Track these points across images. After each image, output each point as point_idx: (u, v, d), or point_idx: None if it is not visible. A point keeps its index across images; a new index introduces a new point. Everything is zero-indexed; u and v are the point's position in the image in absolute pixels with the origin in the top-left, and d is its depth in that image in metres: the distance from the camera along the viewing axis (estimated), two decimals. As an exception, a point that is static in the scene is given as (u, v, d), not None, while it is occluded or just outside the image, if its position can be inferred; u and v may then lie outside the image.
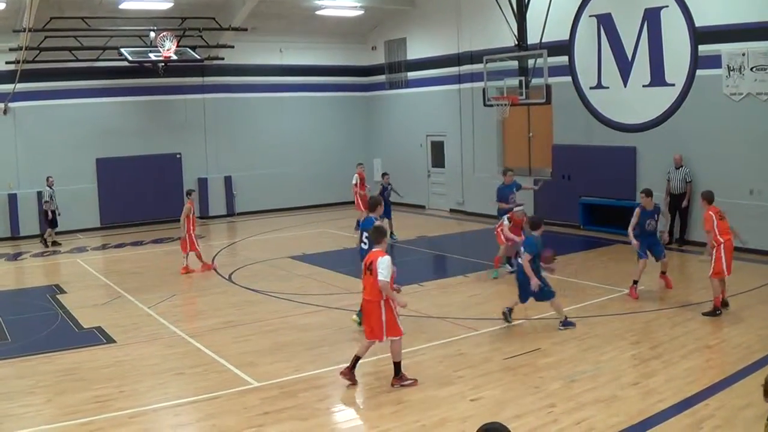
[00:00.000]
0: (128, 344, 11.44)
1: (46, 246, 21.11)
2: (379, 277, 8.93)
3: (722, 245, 11.72)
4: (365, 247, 11.17)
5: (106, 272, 17.53)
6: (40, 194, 22.32)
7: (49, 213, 21.38)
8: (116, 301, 14.40)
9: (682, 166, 17.84)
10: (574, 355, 10.22)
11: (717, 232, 11.73)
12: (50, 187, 21.45)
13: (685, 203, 17.79)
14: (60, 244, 21.36)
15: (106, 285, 16.00)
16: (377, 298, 9.07)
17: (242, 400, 8.96)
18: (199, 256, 17.08)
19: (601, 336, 11.03)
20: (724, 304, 12.00)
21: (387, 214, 19.94)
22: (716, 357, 9.94)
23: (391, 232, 18.14)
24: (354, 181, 22.01)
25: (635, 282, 13.24)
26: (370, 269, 9.14)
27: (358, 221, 21.16)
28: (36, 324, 12.83)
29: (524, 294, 11.55)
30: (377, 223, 10.53)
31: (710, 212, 11.92)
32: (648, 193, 13.30)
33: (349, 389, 9.34)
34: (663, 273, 13.68)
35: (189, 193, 17.85)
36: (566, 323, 11.46)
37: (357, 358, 9.41)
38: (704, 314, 11.84)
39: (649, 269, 13.38)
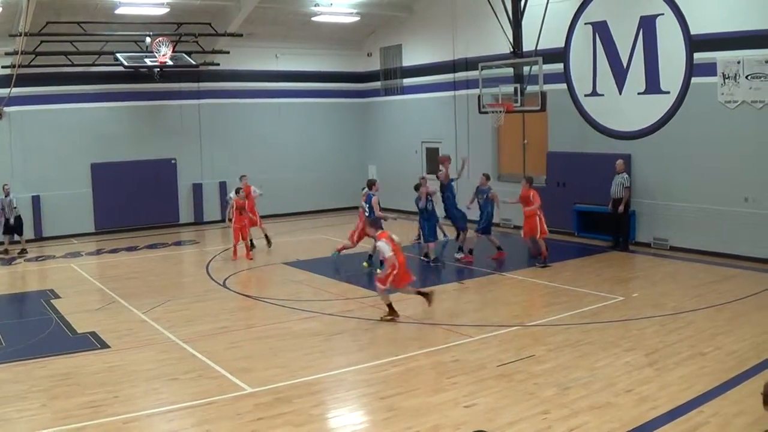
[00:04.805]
0: (122, 350, 11.42)
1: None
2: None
3: (537, 216, 16.92)
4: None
5: (100, 277, 17.50)
6: (34, 199, 22.37)
7: (2, 221, 20.57)
8: (110, 306, 14.37)
9: (622, 172, 18.24)
10: (568, 362, 10.22)
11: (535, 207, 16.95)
12: (6, 196, 20.56)
13: (621, 208, 18.20)
14: (26, 252, 20.54)
15: (100, 290, 15.96)
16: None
17: (236, 406, 8.94)
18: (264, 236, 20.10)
19: (596, 343, 11.04)
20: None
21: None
22: (710, 364, 9.93)
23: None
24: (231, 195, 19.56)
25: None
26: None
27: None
28: (30, 329, 12.80)
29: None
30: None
31: (533, 192, 17.06)
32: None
33: (343, 396, 9.42)
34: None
35: (241, 177, 19.76)
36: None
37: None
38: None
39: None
